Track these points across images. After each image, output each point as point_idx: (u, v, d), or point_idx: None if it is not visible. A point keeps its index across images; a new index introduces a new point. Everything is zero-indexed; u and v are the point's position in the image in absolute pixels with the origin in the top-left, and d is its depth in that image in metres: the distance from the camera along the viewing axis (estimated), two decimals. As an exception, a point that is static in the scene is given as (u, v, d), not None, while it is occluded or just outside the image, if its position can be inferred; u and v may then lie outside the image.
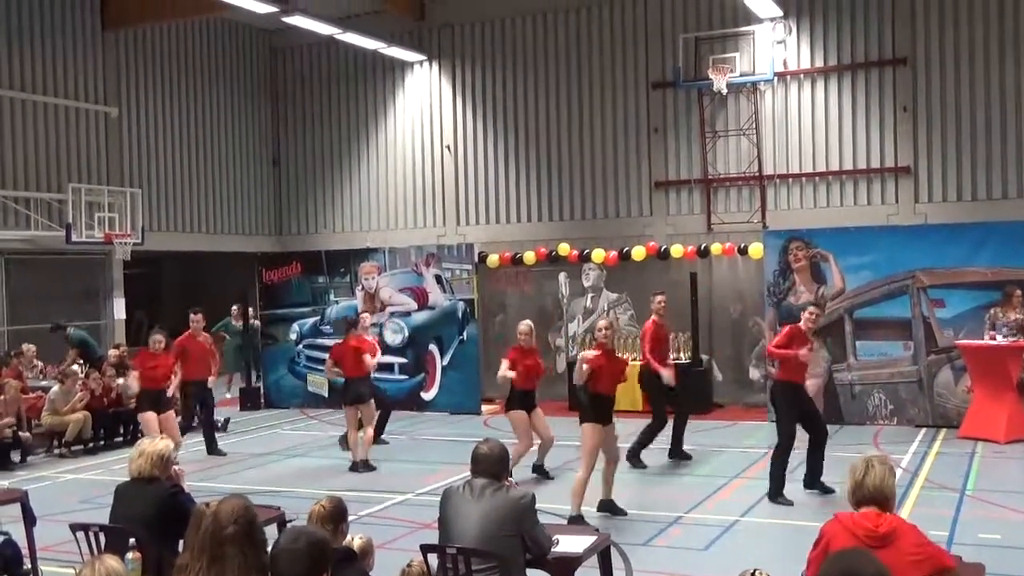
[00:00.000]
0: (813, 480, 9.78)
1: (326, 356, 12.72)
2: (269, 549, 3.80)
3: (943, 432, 13.05)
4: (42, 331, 15.98)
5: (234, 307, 18.19)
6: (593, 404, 8.69)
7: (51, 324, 16.08)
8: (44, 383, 14.50)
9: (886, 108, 16.27)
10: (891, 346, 13.96)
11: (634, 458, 11.22)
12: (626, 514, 9.06)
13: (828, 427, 10.21)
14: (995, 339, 12.45)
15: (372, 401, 11.82)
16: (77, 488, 11.04)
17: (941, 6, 15.90)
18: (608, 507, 9.07)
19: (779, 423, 9.75)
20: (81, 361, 14.98)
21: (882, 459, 4.32)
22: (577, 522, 8.31)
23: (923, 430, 13.28)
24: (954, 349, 13.30)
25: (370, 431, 11.79)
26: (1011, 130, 15.52)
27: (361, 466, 11.54)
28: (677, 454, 11.63)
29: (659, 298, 12.02)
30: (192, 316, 13.01)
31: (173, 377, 11.72)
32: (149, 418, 11.17)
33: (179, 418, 12.43)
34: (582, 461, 8.72)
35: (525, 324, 10.86)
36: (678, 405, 11.71)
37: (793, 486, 9.70)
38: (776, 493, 9.50)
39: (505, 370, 10.44)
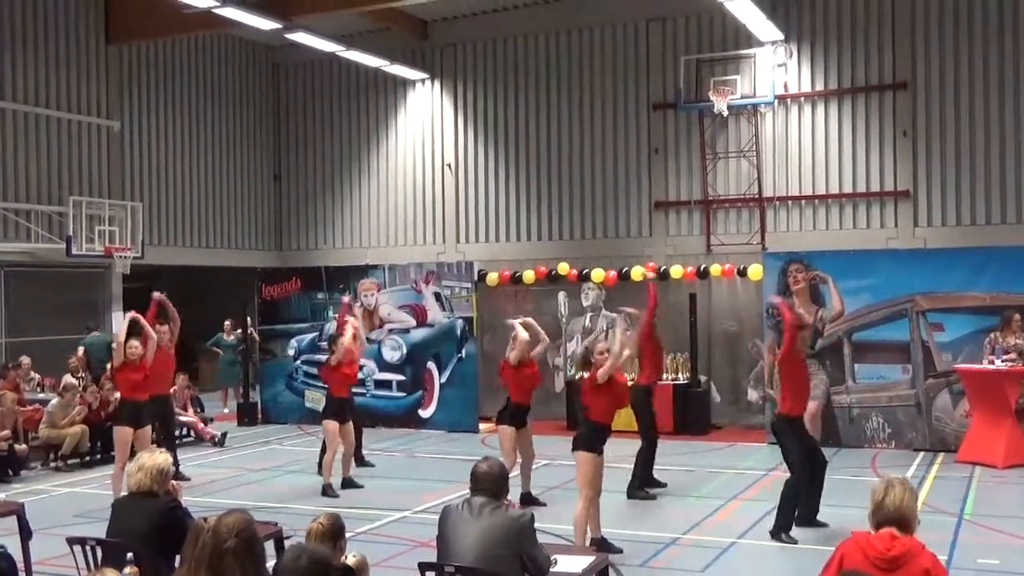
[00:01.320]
0: (810, 518, 9.28)
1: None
2: (270, 565, 3.79)
3: (941, 456, 13.03)
4: (41, 343, 15.98)
5: (226, 322, 18.19)
6: (593, 432, 8.36)
7: (86, 328, 16.49)
8: (42, 396, 14.49)
9: (886, 132, 16.34)
10: (890, 369, 13.95)
11: (640, 490, 10.84)
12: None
13: (826, 450, 10.06)
14: (994, 363, 12.46)
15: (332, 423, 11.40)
16: (73, 502, 11.00)
17: (941, 31, 16.00)
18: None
19: (791, 453, 9.22)
20: (83, 366, 14.97)
21: (903, 480, 4.34)
22: (602, 545, 8.16)
23: (921, 454, 13.26)
24: (953, 373, 13.29)
25: (328, 457, 11.34)
26: (1010, 155, 15.59)
27: (329, 489, 11.19)
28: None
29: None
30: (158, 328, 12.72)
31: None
32: (125, 433, 10.55)
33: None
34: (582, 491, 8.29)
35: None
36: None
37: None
38: (782, 528, 9.00)
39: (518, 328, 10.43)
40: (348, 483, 11.49)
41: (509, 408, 10.34)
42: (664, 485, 11.17)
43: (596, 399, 8.33)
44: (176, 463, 12.29)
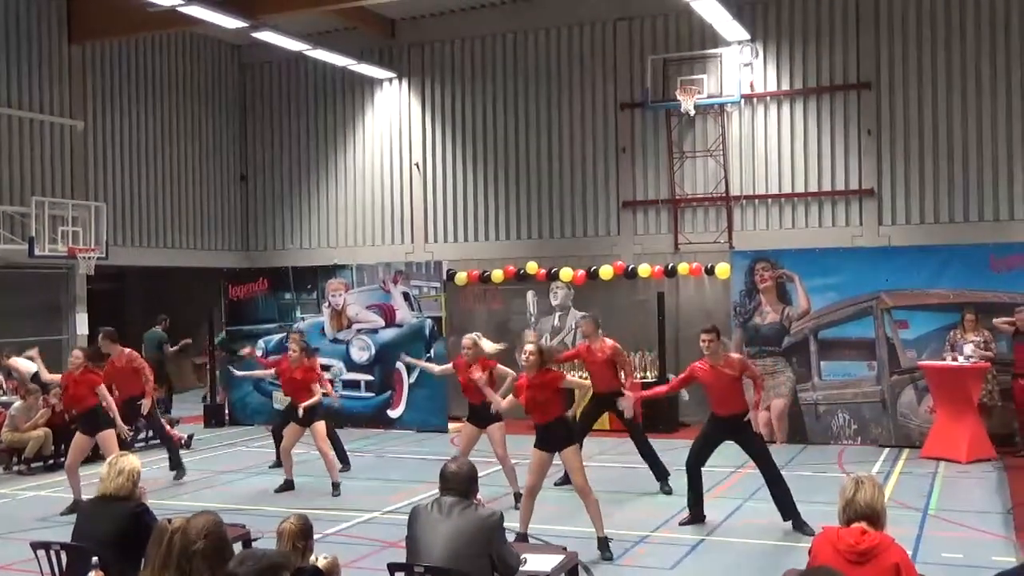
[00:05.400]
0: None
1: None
2: None
3: (906, 452, 13.19)
4: (2, 346, 15.73)
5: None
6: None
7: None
8: (4, 399, 14.30)
9: (851, 131, 16.49)
10: (855, 366, 14.10)
11: (665, 480, 11.14)
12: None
13: (792, 447, 10.19)
14: (957, 360, 12.63)
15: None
16: (37, 505, 10.87)
17: (904, 32, 16.17)
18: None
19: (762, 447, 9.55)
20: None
21: (870, 477, 4.47)
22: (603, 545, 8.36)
23: (886, 450, 13.41)
24: (917, 370, 13.46)
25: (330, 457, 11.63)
26: (972, 154, 15.78)
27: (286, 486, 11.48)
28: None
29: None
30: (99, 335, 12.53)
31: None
32: (77, 441, 10.63)
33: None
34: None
35: (467, 338, 10.58)
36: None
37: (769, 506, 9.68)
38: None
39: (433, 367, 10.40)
40: (286, 485, 11.53)
41: (470, 407, 10.51)
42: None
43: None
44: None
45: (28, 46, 17.07)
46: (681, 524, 9.42)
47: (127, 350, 12.55)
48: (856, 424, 13.99)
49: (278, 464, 12.24)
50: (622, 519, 9.81)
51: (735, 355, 10.06)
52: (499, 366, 10.51)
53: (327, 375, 14.25)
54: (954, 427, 12.56)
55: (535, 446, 8.49)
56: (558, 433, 8.40)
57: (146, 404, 12.22)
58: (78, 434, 10.70)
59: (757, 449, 9.45)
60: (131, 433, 12.41)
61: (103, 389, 10.67)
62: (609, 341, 11.30)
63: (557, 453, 8.48)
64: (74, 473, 10.45)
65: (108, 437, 10.45)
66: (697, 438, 9.83)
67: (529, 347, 8.48)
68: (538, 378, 8.30)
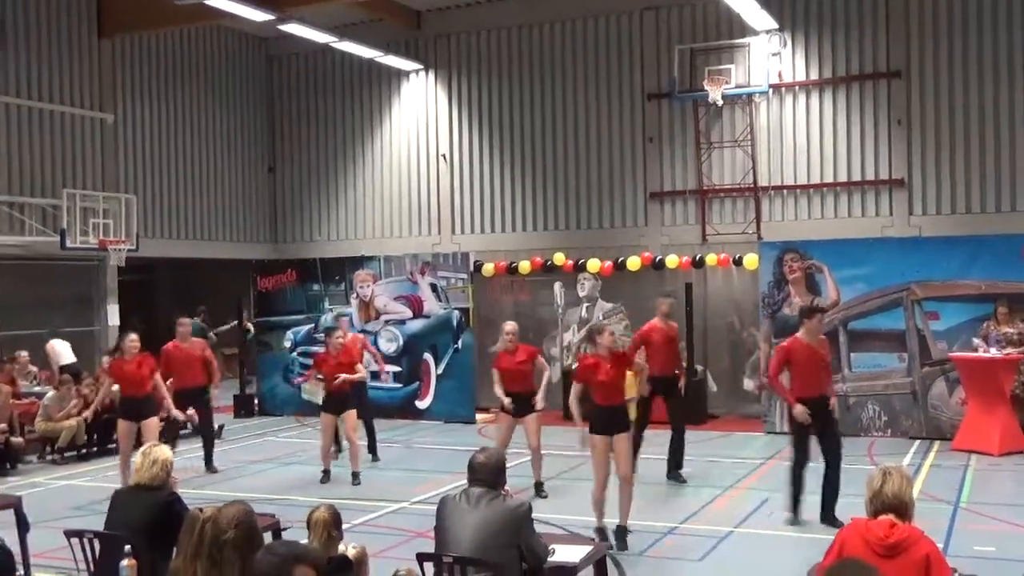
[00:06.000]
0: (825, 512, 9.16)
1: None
2: None
3: (937, 444, 13.08)
4: (35, 337, 15.94)
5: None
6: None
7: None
8: (37, 389, 14.49)
9: (880, 120, 16.34)
10: (885, 358, 13.98)
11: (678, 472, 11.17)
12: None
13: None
14: (988, 351, 12.50)
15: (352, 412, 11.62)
16: (70, 495, 11.00)
17: (935, 20, 15.98)
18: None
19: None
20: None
21: (899, 468, 4.40)
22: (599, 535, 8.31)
23: (917, 442, 13.30)
24: (948, 361, 13.33)
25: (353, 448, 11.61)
26: (1004, 143, 15.59)
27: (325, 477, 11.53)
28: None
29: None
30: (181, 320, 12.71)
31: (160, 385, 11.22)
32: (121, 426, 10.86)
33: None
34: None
35: (511, 324, 10.71)
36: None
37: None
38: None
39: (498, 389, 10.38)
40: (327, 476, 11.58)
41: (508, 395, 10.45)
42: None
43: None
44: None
45: (59, 41, 17.23)
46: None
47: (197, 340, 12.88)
48: (886, 416, 13.88)
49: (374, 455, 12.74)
50: (650, 511, 9.79)
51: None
52: (540, 357, 10.70)
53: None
54: (986, 419, 12.44)
55: (599, 433, 8.28)
56: (622, 417, 8.42)
57: (214, 394, 12.66)
58: (125, 421, 10.80)
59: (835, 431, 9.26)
60: (186, 420, 12.62)
61: (159, 377, 10.99)
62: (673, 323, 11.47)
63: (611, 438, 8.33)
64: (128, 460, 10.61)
65: (152, 425, 10.67)
66: (799, 439, 9.31)
67: (609, 328, 8.58)
68: (615, 360, 8.39)
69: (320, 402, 11.89)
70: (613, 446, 8.32)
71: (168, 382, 11.57)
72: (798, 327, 9.44)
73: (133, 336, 11.03)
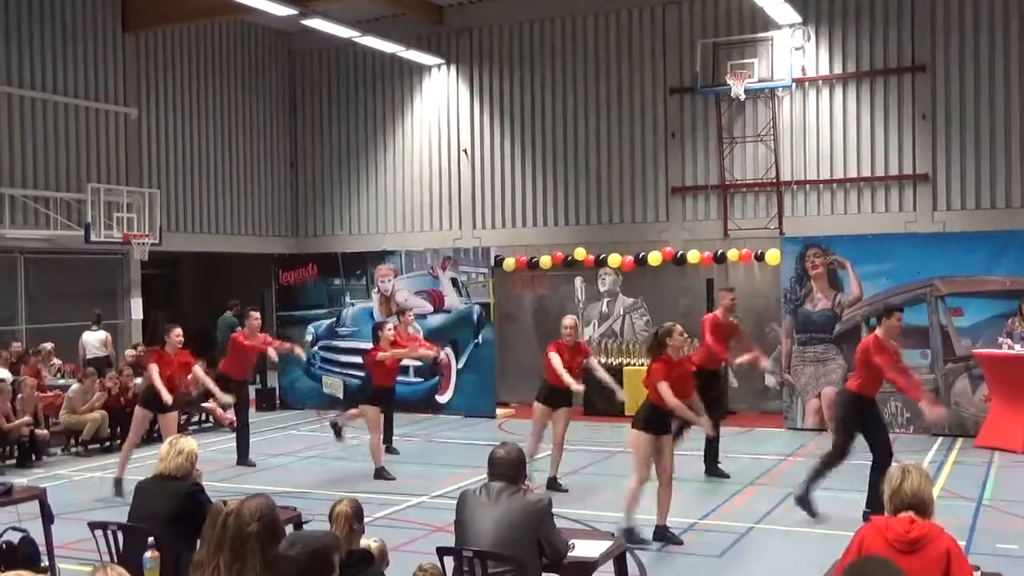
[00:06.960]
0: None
1: (342, 358, 12.69)
2: None
3: (960, 441, 12.99)
4: (59, 330, 16.09)
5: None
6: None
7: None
8: (62, 382, 14.62)
9: (905, 115, 16.22)
10: (908, 354, 13.79)
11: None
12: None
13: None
14: (1013, 348, 12.39)
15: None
16: (94, 487, 11.09)
17: (961, 14, 15.84)
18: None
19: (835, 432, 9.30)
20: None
21: (917, 465, 4.38)
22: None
23: (940, 439, 13.21)
24: (971, 358, 13.24)
25: (374, 441, 11.54)
26: (1031, 138, 15.45)
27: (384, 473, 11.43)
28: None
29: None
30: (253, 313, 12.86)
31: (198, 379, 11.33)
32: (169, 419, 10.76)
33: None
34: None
35: (570, 318, 10.69)
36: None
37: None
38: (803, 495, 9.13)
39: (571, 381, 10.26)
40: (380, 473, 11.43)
41: (546, 389, 10.43)
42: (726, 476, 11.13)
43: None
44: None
45: (83, 36, 17.36)
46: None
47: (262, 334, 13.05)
48: (909, 412, 13.79)
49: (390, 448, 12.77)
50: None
51: None
52: (592, 358, 10.94)
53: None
54: (1010, 416, 12.35)
55: (656, 432, 8.20)
56: (671, 419, 8.40)
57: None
58: (143, 409, 10.76)
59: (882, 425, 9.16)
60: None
61: (198, 369, 11.07)
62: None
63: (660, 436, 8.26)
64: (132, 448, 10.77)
65: (171, 419, 10.64)
66: (847, 437, 9.24)
67: (678, 328, 8.46)
68: (684, 360, 8.50)
69: (341, 395, 11.90)
70: (660, 446, 8.26)
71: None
72: (877, 326, 9.34)
73: (178, 330, 10.82)
